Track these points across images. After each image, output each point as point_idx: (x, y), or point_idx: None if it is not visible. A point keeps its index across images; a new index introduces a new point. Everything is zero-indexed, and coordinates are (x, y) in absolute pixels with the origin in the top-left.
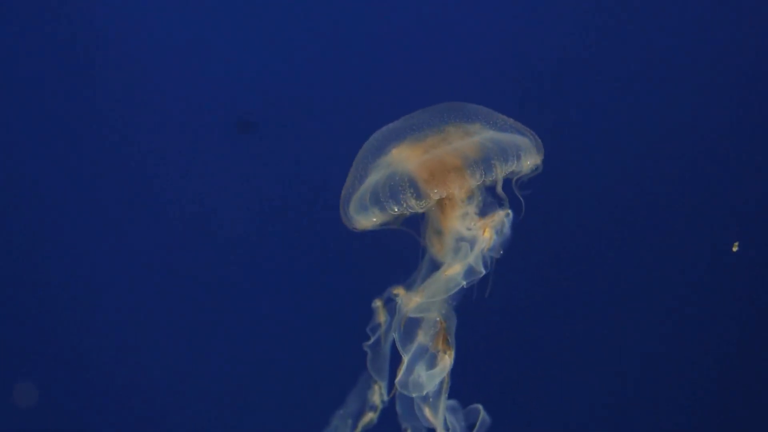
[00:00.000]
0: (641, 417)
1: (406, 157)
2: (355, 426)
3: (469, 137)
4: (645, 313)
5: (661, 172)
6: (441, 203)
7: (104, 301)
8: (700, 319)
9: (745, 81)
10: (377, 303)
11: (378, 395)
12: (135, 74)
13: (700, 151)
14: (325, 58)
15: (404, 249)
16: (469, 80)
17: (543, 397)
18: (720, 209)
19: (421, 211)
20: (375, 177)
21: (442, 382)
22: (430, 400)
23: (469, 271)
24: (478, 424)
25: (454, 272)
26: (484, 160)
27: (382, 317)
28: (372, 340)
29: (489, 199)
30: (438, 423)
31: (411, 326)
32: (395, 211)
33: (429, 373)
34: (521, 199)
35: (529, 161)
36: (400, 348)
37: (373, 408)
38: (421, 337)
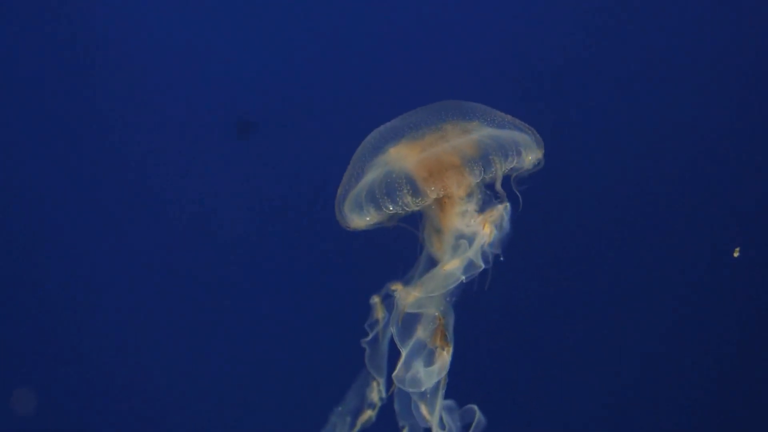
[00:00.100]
0: (641, 417)
1: (403, 156)
2: (353, 424)
3: (468, 135)
4: (644, 312)
5: (660, 170)
6: (440, 201)
7: (104, 302)
8: (700, 318)
9: (745, 81)
10: (375, 299)
11: (376, 392)
12: (135, 75)
13: (699, 150)
14: (324, 58)
15: (403, 247)
16: (468, 79)
17: (542, 395)
18: (720, 207)
19: (417, 209)
20: (372, 175)
21: (439, 380)
22: (428, 397)
23: (469, 266)
24: (473, 424)
25: (452, 267)
26: (482, 158)
27: (380, 313)
28: (370, 336)
29: (488, 197)
30: (434, 421)
31: (409, 322)
32: (390, 210)
33: (427, 370)
34: (520, 196)
35: (531, 156)
36: (398, 343)
37: (372, 405)
38: (420, 333)
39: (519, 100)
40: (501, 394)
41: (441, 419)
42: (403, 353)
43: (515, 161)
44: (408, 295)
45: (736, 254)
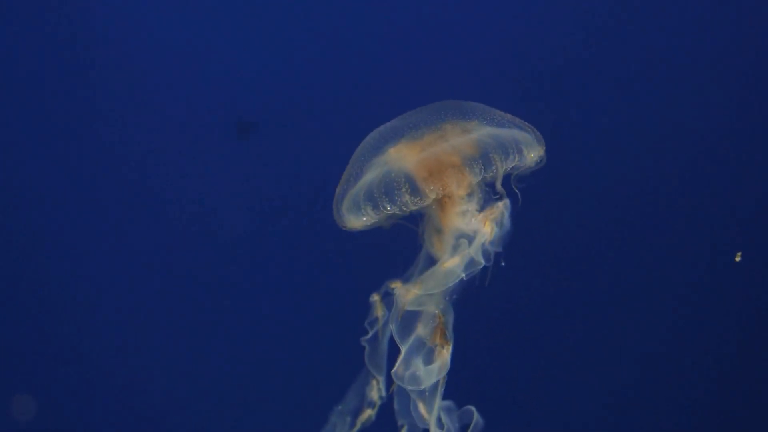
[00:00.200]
0: (641, 417)
1: (403, 156)
2: (353, 423)
3: (467, 134)
4: (644, 312)
5: (661, 169)
6: (441, 201)
7: (104, 302)
8: (700, 318)
9: (744, 81)
10: (375, 297)
11: (376, 391)
12: (135, 76)
13: (699, 149)
14: (324, 58)
15: (403, 246)
16: (468, 78)
17: (541, 395)
18: (720, 206)
19: (415, 209)
20: (371, 175)
21: (438, 380)
22: (426, 395)
23: (469, 264)
24: (471, 426)
25: (453, 264)
26: (482, 157)
27: (380, 312)
28: (370, 334)
29: (489, 195)
30: (432, 421)
31: (409, 319)
32: (388, 209)
33: (427, 369)
34: (521, 195)
35: (533, 154)
36: (397, 340)
37: (372, 404)
38: (420, 330)
39: (519, 100)
40: (501, 394)
41: (439, 419)
42: (403, 350)
43: (516, 159)
44: (407, 293)
45: (737, 259)
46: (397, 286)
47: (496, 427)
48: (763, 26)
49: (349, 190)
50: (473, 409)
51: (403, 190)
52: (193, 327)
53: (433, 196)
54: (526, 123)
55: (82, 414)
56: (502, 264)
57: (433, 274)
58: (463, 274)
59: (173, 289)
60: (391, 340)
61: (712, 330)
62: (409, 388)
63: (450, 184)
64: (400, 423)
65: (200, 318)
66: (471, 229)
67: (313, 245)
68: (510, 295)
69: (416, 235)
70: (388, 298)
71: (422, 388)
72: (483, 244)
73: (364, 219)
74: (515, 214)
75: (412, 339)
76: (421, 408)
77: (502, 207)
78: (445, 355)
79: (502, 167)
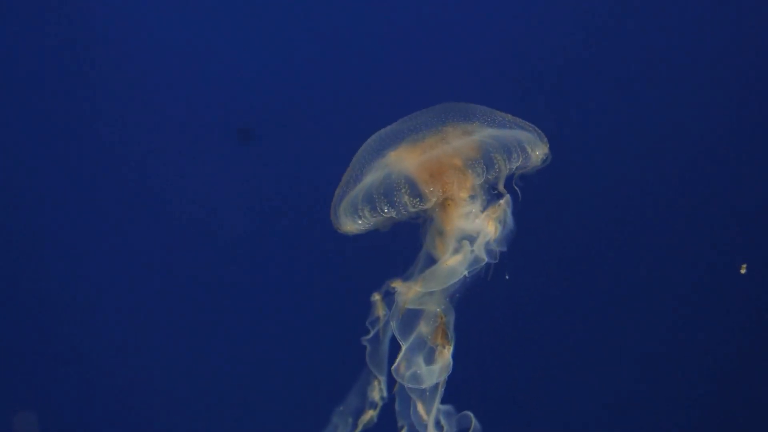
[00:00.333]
0: (642, 417)
1: (403, 159)
2: (355, 424)
3: (468, 136)
4: (646, 312)
5: (662, 168)
6: (443, 203)
7: (104, 302)
8: (702, 318)
9: (744, 80)
10: (376, 297)
11: (377, 391)
12: (135, 77)
13: (700, 148)
14: (324, 60)
15: (404, 247)
16: (468, 80)
17: (542, 395)
18: (720, 206)
19: (416, 212)
20: (370, 179)
21: (439, 381)
22: (426, 395)
23: (472, 262)
24: (470, 430)
25: (455, 262)
26: (484, 158)
27: (381, 311)
28: (371, 333)
29: (492, 196)
30: (430, 422)
31: (411, 317)
32: (385, 213)
33: (429, 369)
34: (523, 197)
35: (538, 152)
36: (398, 337)
37: (373, 405)
38: (421, 328)
39: (519, 101)
40: (501, 394)
41: (438, 422)
42: (404, 347)
43: (521, 159)
44: (409, 290)
45: (742, 271)
46: (397, 284)
47: (497, 427)
48: (763, 26)
49: (348, 193)
50: (471, 414)
51: (403, 191)
52: (194, 327)
53: (434, 198)
54: (527, 123)
55: (81, 414)
56: (506, 278)
57: (434, 272)
58: (466, 272)
59: (173, 289)
60: (393, 340)
61: (713, 330)
62: (409, 386)
63: (452, 186)
64: (400, 424)
65: (201, 318)
66: (474, 230)
67: (314, 245)
68: (511, 295)
69: (417, 236)
70: (389, 297)
71: (423, 387)
72: (487, 243)
73: (360, 222)
74: (518, 215)
75: (413, 337)
76: (420, 409)
77: (504, 205)
78: (446, 356)
79: (505, 168)
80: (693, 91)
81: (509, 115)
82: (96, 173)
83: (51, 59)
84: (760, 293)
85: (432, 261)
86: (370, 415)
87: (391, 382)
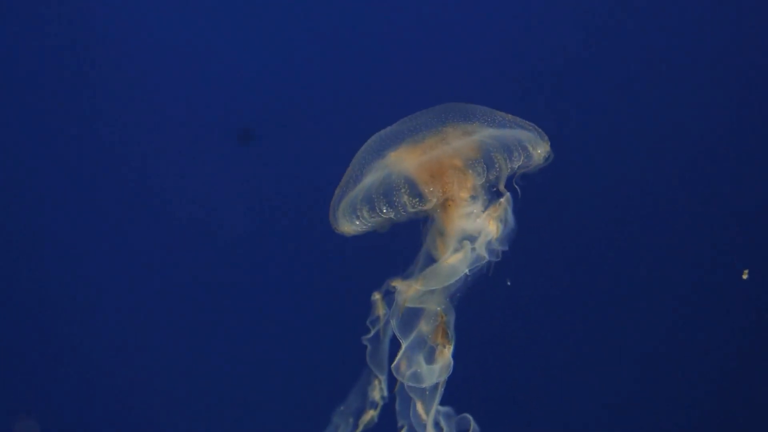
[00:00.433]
0: (643, 418)
1: (403, 160)
2: (356, 425)
3: (469, 136)
4: (646, 312)
5: (663, 168)
6: (444, 204)
7: (104, 303)
8: (702, 318)
9: (744, 80)
10: (376, 296)
11: (378, 391)
12: (136, 78)
13: (700, 148)
14: (324, 60)
15: (404, 247)
16: (468, 81)
17: (542, 395)
18: (721, 205)
19: (416, 212)
20: (370, 179)
21: (439, 381)
22: (426, 394)
23: (473, 260)
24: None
25: (455, 260)
26: (484, 158)
27: (381, 310)
28: (372, 333)
29: (494, 196)
30: (429, 422)
31: (411, 315)
32: (384, 213)
33: (430, 368)
34: (525, 196)
35: (539, 150)
36: (398, 336)
37: (374, 405)
38: (421, 327)
39: (519, 101)
40: (501, 394)
41: (437, 424)
42: (404, 345)
43: (522, 158)
44: (409, 288)
45: (744, 276)
46: (397, 283)
47: (497, 427)
48: (763, 26)
49: (347, 193)
50: (470, 417)
51: (403, 192)
52: (194, 327)
53: (434, 199)
54: (527, 122)
55: (81, 413)
56: (508, 284)
57: (435, 271)
58: (467, 270)
59: (173, 289)
60: (394, 340)
61: (713, 330)
62: (408, 384)
63: (452, 186)
64: (400, 424)
65: (201, 318)
66: (475, 229)
67: (314, 245)
68: (512, 295)
69: (417, 236)
70: (389, 296)
71: (423, 386)
72: (488, 243)
73: (358, 223)
74: (519, 215)
75: (413, 336)
76: (420, 408)
77: (505, 203)
78: (446, 355)
79: (506, 167)
80: (693, 90)
81: (509, 115)
82: (96, 173)
83: (52, 59)
84: (761, 293)
85: (432, 260)
86: (370, 414)
87: (392, 381)
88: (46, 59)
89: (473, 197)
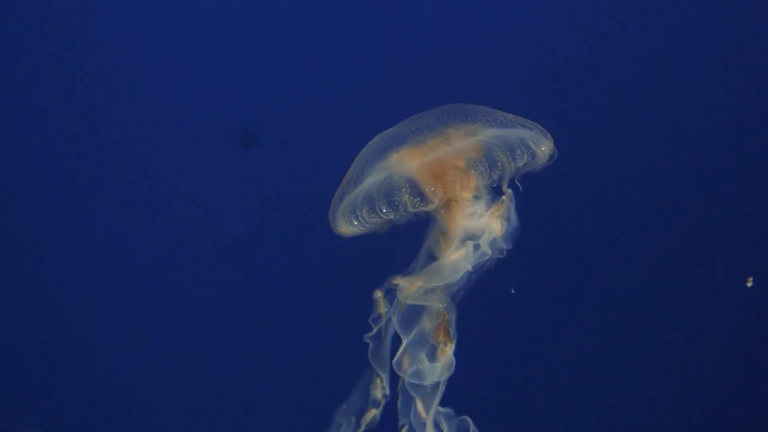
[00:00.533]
0: (644, 418)
1: (405, 161)
2: (358, 424)
3: (471, 137)
4: (646, 312)
5: (664, 168)
6: (447, 204)
7: (104, 303)
8: (703, 318)
9: (744, 80)
10: (378, 294)
11: (380, 389)
12: (138, 80)
13: (701, 148)
14: (326, 62)
15: (406, 246)
16: (469, 81)
17: (542, 395)
18: (721, 205)
19: (418, 213)
20: (371, 180)
21: (440, 379)
22: (427, 393)
23: (476, 258)
24: None
25: (458, 257)
26: (487, 158)
27: (383, 308)
28: (374, 331)
29: (497, 196)
30: (428, 421)
31: (413, 313)
32: (384, 214)
33: (432, 366)
34: (528, 197)
35: (543, 148)
36: (400, 332)
37: (376, 404)
38: (423, 323)
39: (521, 101)
40: (501, 394)
41: (437, 424)
42: (405, 341)
43: (526, 157)
44: (410, 285)
45: (749, 284)
46: (399, 280)
47: (497, 427)
48: (763, 26)
49: (348, 194)
50: (469, 420)
51: (403, 191)
52: (194, 327)
53: (437, 199)
54: (530, 121)
55: (81, 413)
56: (512, 292)
57: (437, 268)
58: (470, 267)
59: (173, 289)
60: (395, 338)
61: (714, 330)
62: (410, 381)
63: (454, 187)
64: (401, 423)
65: (201, 318)
66: (478, 229)
67: (314, 246)
68: (512, 295)
69: (418, 236)
70: (391, 294)
71: (424, 384)
72: (492, 241)
73: (356, 224)
74: (522, 214)
75: (415, 332)
76: (420, 407)
77: (507, 201)
78: (448, 353)
79: (510, 166)
80: (694, 90)
81: (512, 115)
82: (97, 174)
83: (53, 61)
84: (761, 293)
85: (434, 259)
86: (373, 413)
87: (394, 380)
88: (48, 61)
89: (476, 197)
